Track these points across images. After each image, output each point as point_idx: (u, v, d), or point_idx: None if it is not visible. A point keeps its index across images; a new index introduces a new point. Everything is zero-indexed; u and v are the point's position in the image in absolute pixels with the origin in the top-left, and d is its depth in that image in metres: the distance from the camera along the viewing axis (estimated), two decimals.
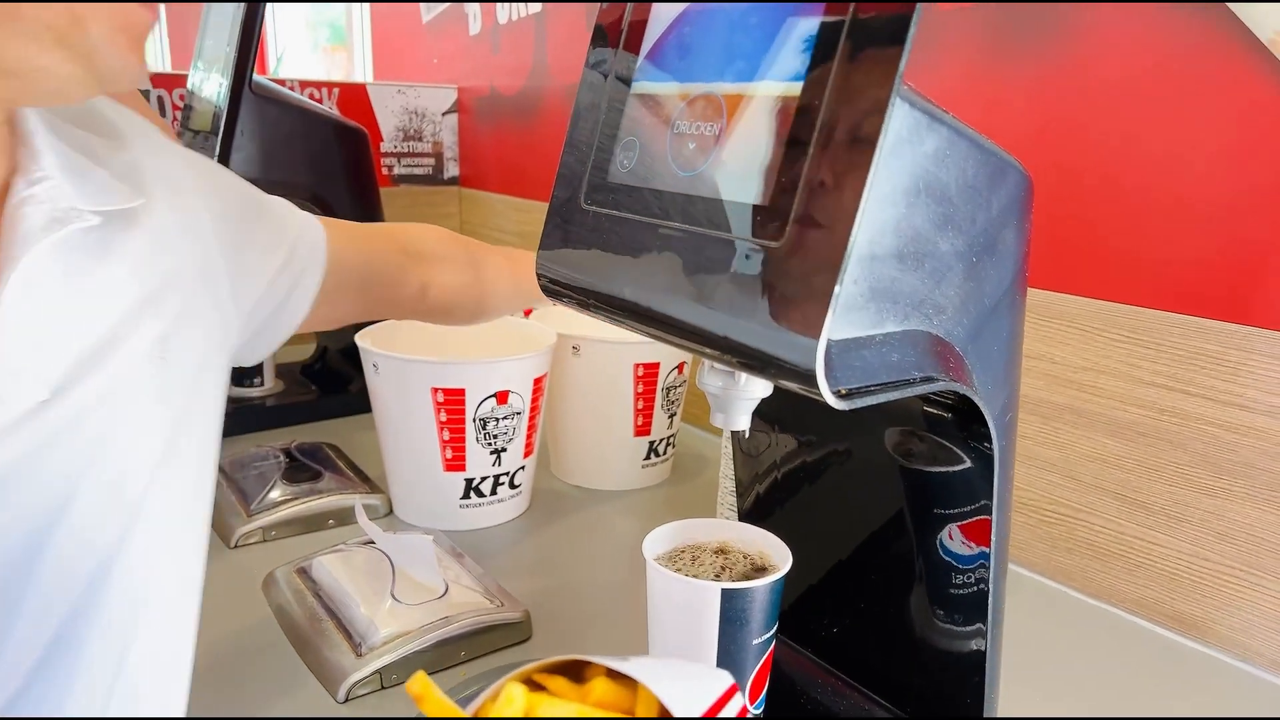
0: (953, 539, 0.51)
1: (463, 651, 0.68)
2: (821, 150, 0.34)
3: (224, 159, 1.04)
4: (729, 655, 0.49)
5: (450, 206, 1.69)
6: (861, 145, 0.33)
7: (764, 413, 0.62)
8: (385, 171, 1.60)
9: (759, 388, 0.44)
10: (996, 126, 0.73)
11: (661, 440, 1.02)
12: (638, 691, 0.36)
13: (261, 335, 0.60)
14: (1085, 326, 0.75)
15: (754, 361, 0.36)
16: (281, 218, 0.61)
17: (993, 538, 0.46)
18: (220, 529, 0.86)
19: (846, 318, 0.35)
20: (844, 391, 0.35)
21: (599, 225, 0.44)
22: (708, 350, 0.39)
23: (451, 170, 1.68)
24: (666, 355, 0.98)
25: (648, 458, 1.02)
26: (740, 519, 0.67)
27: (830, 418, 0.56)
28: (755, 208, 0.36)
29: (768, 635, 0.51)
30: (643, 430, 1.00)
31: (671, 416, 1.02)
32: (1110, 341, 0.74)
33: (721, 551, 0.55)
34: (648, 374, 0.97)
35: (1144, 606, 0.74)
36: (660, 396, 0.99)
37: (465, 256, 0.77)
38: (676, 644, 0.50)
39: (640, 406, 0.99)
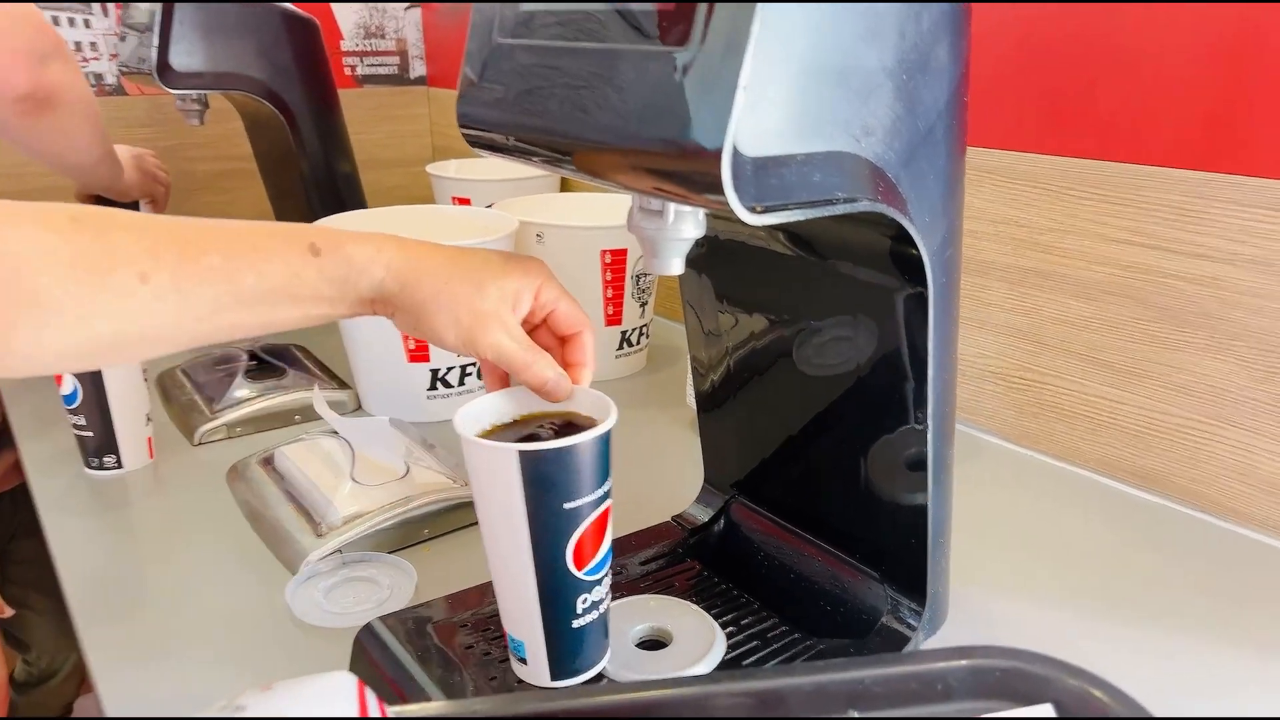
0: (895, 392, 0.50)
1: (426, 530, 0.68)
2: None
3: (163, 52, 0.99)
4: (540, 521, 0.45)
5: (418, 107, 1.64)
6: None
7: (722, 294, 0.60)
8: (348, 72, 1.55)
9: (689, 227, 0.43)
10: None
11: (634, 330, 1.01)
12: None
13: None
14: (1051, 186, 0.73)
15: (666, 182, 0.35)
16: None
17: (930, 376, 0.45)
18: (183, 428, 0.86)
19: (758, 130, 0.33)
20: (759, 208, 0.34)
21: (511, 59, 0.41)
22: (622, 176, 0.37)
23: (419, 69, 1.63)
24: (633, 242, 0.95)
25: (620, 348, 1.01)
26: (699, 400, 0.67)
27: (788, 292, 0.55)
28: (660, 13, 0.34)
29: (588, 498, 0.46)
30: (614, 320, 0.99)
31: (643, 305, 1.01)
32: (1076, 199, 0.72)
33: (567, 420, 0.50)
34: (615, 260, 0.95)
35: (1107, 465, 0.74)
36: (630, 284, 0.98)
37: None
38: (488, 513, 0.46)
39: (610, 295, 0.97)
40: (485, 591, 0.59)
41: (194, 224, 0.46)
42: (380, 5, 1.55)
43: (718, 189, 0.32)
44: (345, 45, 1.54)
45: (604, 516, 0.48)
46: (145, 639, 0.58)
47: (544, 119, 0.39)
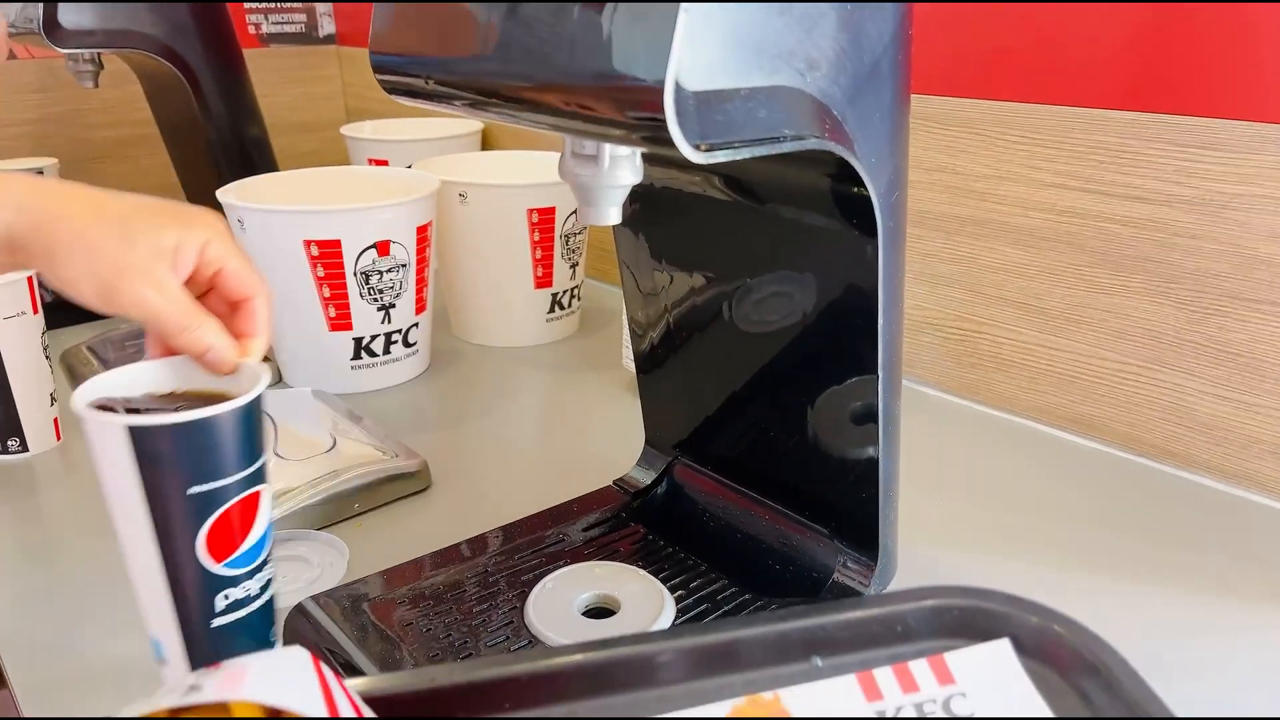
0: (844, 343, 0.48)
1: (356, 504, 0.65)
2: None
3: (51, 9, 0.92)
4: (160, 507, 0.40)
5: (330, 68, 1.56)
6: None
7: (658, 252, 0.58)
8: (252, 31, 1.47)
9: (625, 173, 0.40)
10: None
11: (565, 292, 0.98)
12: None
13: None
14: (986, 132, 0.73)
15: (604, 121, 0.32)
16: None
17: (879, 323, 0.44)
18: None
19: (699, 63, 0.31)
20: (704, 146, 0.31)
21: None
22: (555, 117, 0.34)
23: (327, 27, 1.55)
24: (561, 200, 0.92)
25: (551, 311, 0.98)
26: (637, 361, 0.64)
27: (728, 243, 0.53)
28: None
29: (225, 481, 0.41)
30: (544, 282, 0.95)
31: (574, 267, 0.98)
32: (1011, 144, 0.71)
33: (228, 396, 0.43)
34: (543, 220, 0.92)
35: (1045, 412, 0.75)
36: (559, 245, 0.95)
37: None
38: (108, 497, 0.41)
39: (539, 256, 0.94)
40: (422, 565, 0.56)
41: None
42: None
43: (661, 126, 0.30)
44: (248, 4, 1.45)
45: (251, 501, 0.42)
46: (60, 632, 0.54)
47: (467, 57, 0.36)
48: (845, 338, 0.47)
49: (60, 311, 1.01)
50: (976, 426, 0.77)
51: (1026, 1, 0.68)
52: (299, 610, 0.51)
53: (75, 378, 0.86)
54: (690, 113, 0.31)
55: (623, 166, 0.40)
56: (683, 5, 0.29)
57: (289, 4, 1.50)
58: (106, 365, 0.85)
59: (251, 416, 0.41)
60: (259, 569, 0.44)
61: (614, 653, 0.39)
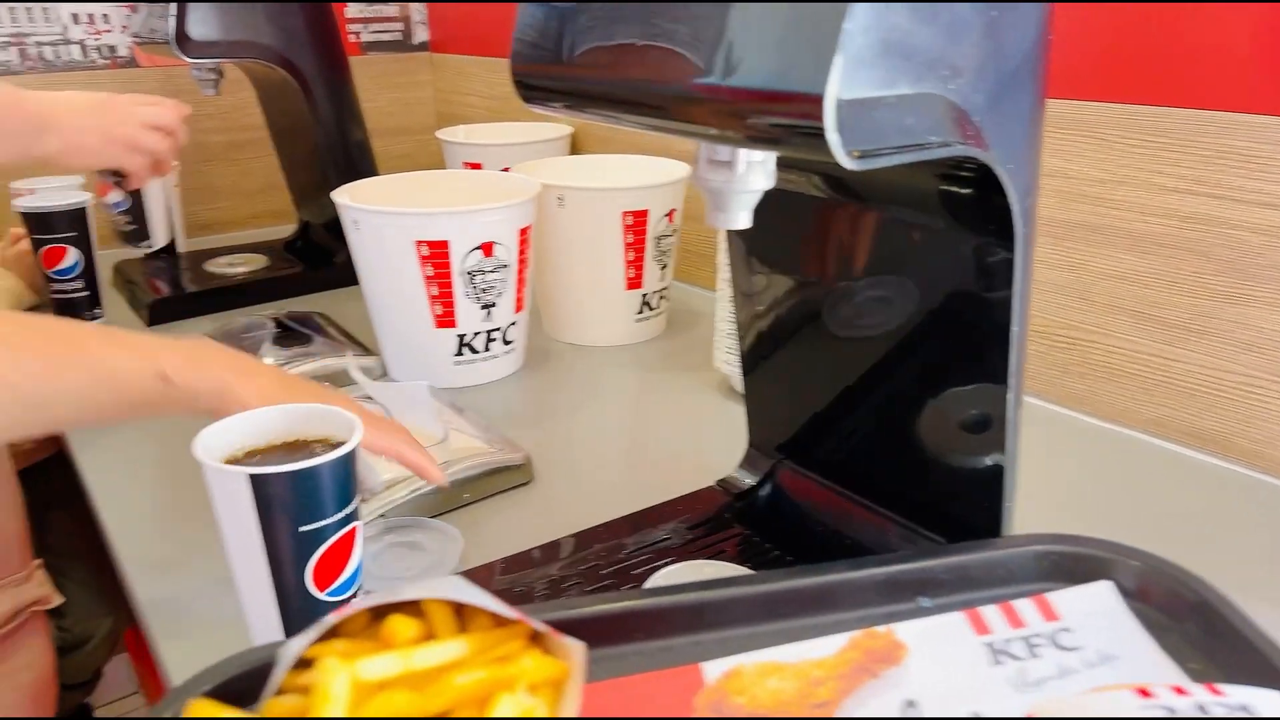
0: (972, 348, 0.48)
1: (466, 494, 0.67)
2: None
3: (181, 21, 0.97)
4: (276, 544, 0.46)
5: (422, 74, 1.60)
6: None
7: (762, 255, 0.58)
8: (352, 39, 1.52)
9: (759, 178, 0.40)
10: None
11: (654, 293, 0.99)
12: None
13: None
14: (1103, 135, 0.71)
15: (763, 129, 0.33)
16: None
17: (1012, 329, 0.43)
18: None
19: (856, 73, 0.31)
20: (857, 153, 0.32)
21: (575, 8, 0.39)
22: (710, 128, 0.35)
23: (421, 35, 1.59)
24: (655, 203, 0.93)
25: (640, 312, 0.99)
26: (741, 360, 0.65)
27: (847, 245, 0.53)
28: None
29: (328, 520, 0.46)
30: (635, 283, 0.97)
31: (664, 268, 0.99)
32: (1129, 148, 0.69)
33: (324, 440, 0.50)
34: (636, 222, 0.93)
35: (1160, 425, 0.73)
36: (651, 247, 0.96)
37: None
38: (228, 536, 0.47)
39: (631, 258, 0.95)
40: (534, 557, 0.58)
41: (66, 336, 0.51)
42: None
43: (819, 134, 0.30)
44: (349, 12, 1.50)
45: (349, 536, 0.48)
46: (196, 599, 0.57)
47: (615, 66, 0.37)
48: (972, 344, 0.47)
49: (167, 306, 1.06)
50: (1084, 437, 0.75)
51: (1157, 1, 0.66)
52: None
53: None
54: (847, 121, 0.31)
55: (756, 172, 0.40)
56: (846, 17, 0.29)
57: (387, 14, 1.54)
58: None
59: (349, 463, 0.47)
60: (355, 595, 0.49)
61: (737, 590, 0.42)
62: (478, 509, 0.67)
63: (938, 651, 0.38)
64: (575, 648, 0.34)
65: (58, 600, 0.88)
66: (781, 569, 0.44)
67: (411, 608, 0.35)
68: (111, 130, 0.88)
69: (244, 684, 0.34)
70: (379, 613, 0.35)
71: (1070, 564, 0.42)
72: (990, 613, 0.40)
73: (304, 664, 0.33)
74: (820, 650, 0.38)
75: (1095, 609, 0.40)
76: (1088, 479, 0.69)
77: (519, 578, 0.55)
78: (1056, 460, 0.71)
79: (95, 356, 0.50)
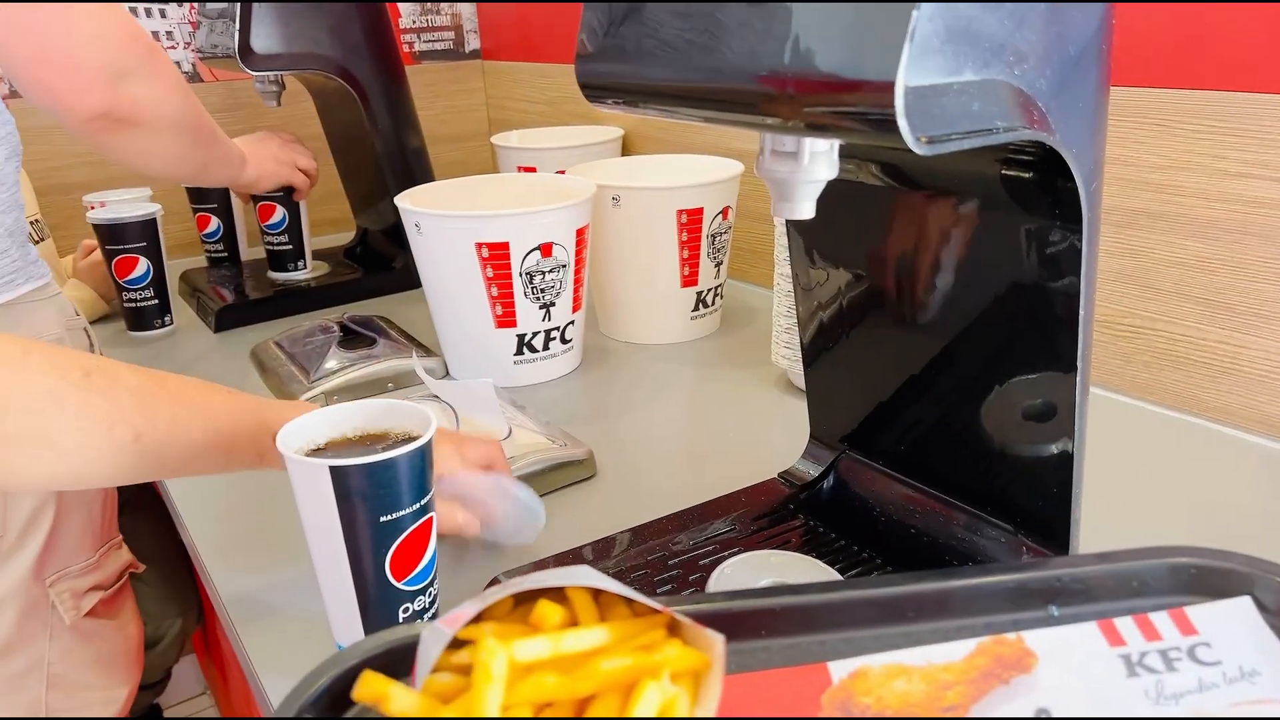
0: (1039, 335, 0.48)
1: (531, 489, 0.68)
2: None
3: (245, 35, 1.00)
4: (355, 534, 0.47)
5: (474, 82, 1.63)
6: None
7: (822, 246, 0.59)
8: (407, 49, 1.55)
9: (823, 168, 0.41)
10: None
11: (709, 290, 1.00)
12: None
13: None
14: (1164, 120, 0.70)
15: (832, 117, 0.33)
16: None
17: (1080, 315, 0.44)
18: (282, 397, 0.87)
19: (924, 60, 0.32)
20: (925, 139, 0.32)
21: (641, 6, 0.40)
22: (779, 118, 0.36)
23: (473, 43, 1.62)
24: (709, 199, 0.94)
25: (696, 309, 1.00)
26: (803, 353, 0.65)
27: (907, 233, 0.53)
28: None
29: (405, 511, 0.48)
30: (690, 281, 0.97)
31: (718, 265, 0.99)
32: (1193, 134, 0.69)
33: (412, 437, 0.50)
34: (691, 220, 0.94)
35: (1228, 413, 0.72)
36: (705, 244, 0.96)
37: None
38: (309, 526, 0.48)
39: (685, 256, 0.96)
40: (603, 547, 0.59)
41: (188, 392, 0.53)
42: None
43: (890, 121, 0.31)
44: (404, 22, 1.54)
45: (424, 528, 0.49)
46: (275, 592, 0.59)
47: (689, 65, 0.38)
48: (1038, 330, 0.47)
49: (232, 313, 1.10)
50: (1149, 426, 0.74)
51: None
52: (495, 584, 0.54)
53: (266, 370, 0.93)
54: (914, 107, 0.32)
55: (820, 162, 0.41)
56: (914, 6, 0.30)
57: (439, 23, 1.57)
58: (292, 358, 0.92)
59: (425, 456, 0.48)
60: (430, 585, 0.51)
61: (861, 592, 0.42)
62: (542, 503, 0.68)
63: (1070, 661, 0.37)
64: (715, 640, 0.34)
65: (140, 567, 0.94)
66: (906, 573, 0.44)
67: (555, 593, 0.36)
68: (279, 155, 1.10)
69: (381, 663, 0.36)
70: (520, 598, 0.37)
71: (1208, 578, 0.41)
72: (1125, 624, 0.39)
73: (456, 644, 0.34)
74: (947, 655, 0.38)
75: (1234, 624, 0.39)
76: (1155, 469, 0.68)
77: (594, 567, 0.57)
78: (1122, 448, 0.71)
79: (213, 412, 0.53)
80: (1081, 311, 0.44)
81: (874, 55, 0.31)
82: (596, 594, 0.37)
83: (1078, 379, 0.45)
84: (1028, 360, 0.49)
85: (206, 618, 1.24)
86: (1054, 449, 0.49)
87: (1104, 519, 0.59)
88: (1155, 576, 0.41)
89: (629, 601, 0.37)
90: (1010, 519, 0.53)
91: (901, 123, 0.31)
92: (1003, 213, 0.47)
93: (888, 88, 0.31)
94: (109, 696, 0.88)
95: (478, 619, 0.35)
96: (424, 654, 0.34)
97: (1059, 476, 0.49)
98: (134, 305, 1.06)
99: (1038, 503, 0.51)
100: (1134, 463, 0.69)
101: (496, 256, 0.82)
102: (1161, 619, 0.39)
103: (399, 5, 1.52)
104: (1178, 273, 0.72)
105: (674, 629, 0.36)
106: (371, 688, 0.33)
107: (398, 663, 0.36)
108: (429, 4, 1.55)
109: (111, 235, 1.03)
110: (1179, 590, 0.41)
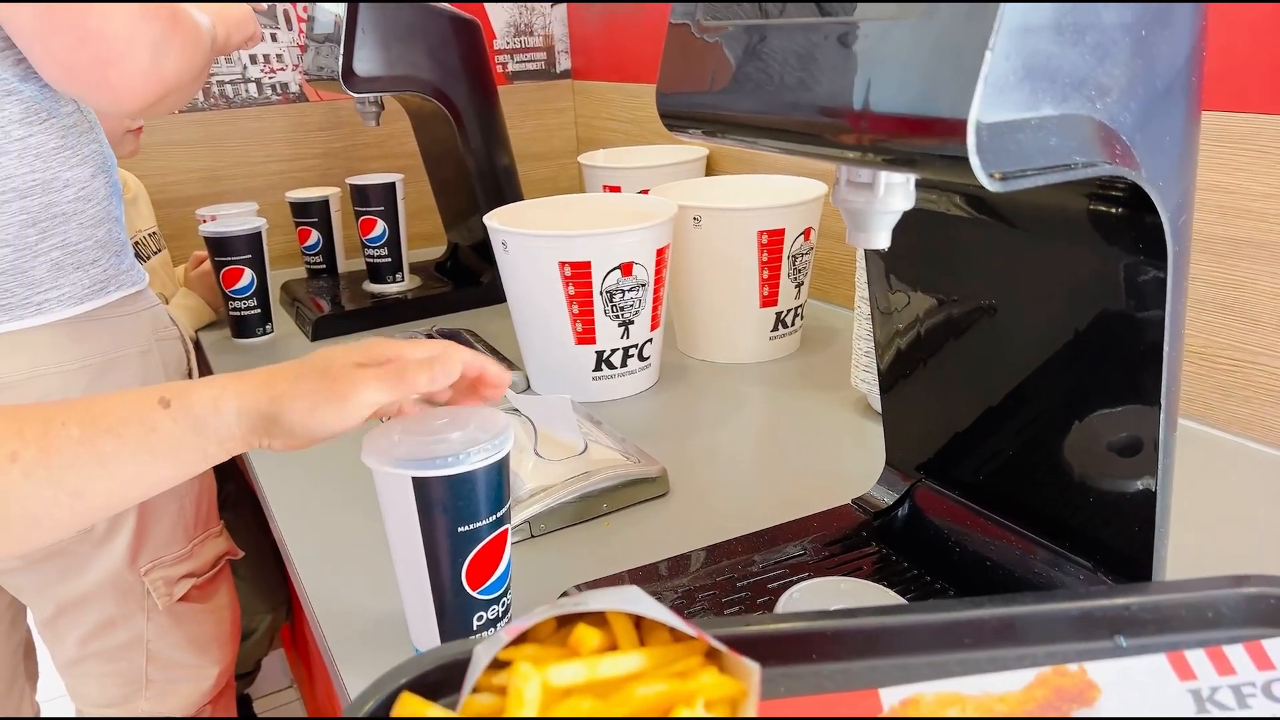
0: (1123, 369, 0.47)
1: (605, 504, 0.69)
2: None
3: (348, 59, 1.06)
4: (434, 542, 0.49)
5: (564, 101, 1.67)
6: None
7: (901, 273, 0.59)
8: (500, 70, 1.60)
9: (898, 199, 0.41)
10: None
11: (789, 311, 1.00)
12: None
13: None
14: (1265, 147, 0.67)
15: (904, 152, 0.34)
16: None
17: (1165, 350, 0.43)
18: None
19: (998, 96, 0.32)
20: (999, 175, 0.33)
21: (720, 41, 0.41)
22: (852, 151, 0.36)
23: (564, 63, 1.66)
24: (791, 221, 0.94)
25: (775, 329, 1.00)
26: (880, 378, 0.65)
27: (989, 263, 0.53)
28: None
29: (483, 522, 0.49)
30: (769, 301, 0.98)
31: (799, 286, 0.99)
32: None
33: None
34: (772, 241, 0.95)
35: None
36: (786, 265, 0.97)
37: None
38: (391, 534, 0.50)
39: (766, 276, 0.96)
40: (674, 565, 0.60)
41: (58, 403, 0.48)
42: (529, 4, 1.59)
43: (962, 158, 0.31)
44: (498, 44, 1.59)
45: (500, 539, 0.51)
46: (360, 594, 0.62)
47: (767, 98, 0.39)
48: (1122, 364, 0.46)
49: (329, 323, 1.15)
50: (1249, 464, 0.71)
51: None
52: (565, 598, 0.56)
53: None
54: (987, 143, 0.32)
55: (896, 193, 0.41)
56: (989, 43, 0.30)
57: (532, 45, 1.62)
58: None
59: (503, 468, 0.50)
60: (504, 594, 0.53)
61: (917, 617, 0.41)
62: (616, 518, 0.70)
63: (1135, 695, 0.36)
64: (752, 669, 0.34)
65: (239, 554, 1.01)
66: (965, 598, 0.43)
67: (595, 617, 0.37)
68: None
69: (439, 676, 0.37)
70: (563, 619, 0.38)
71: None
72: (1195, 656, 0.37)
73: (497, 664, 0.36)
74: (1005, 684, 0.37)
75: None
76: (1250, 507, 0.65)
77: (656, 587, 0.57)
78: (1220, 487, 0.68)
79: (129, 435, 0.47)
80: (1166, 346, 0.43)
81: (947, 92, 0.31)
82: (639, 618, 0.37)
83: (1162, 414, 0.44)
84: (1110, 394, 0.48)
85: (295, 613, 1.29)
86: (1137, 485, 0.48)
87: (1191, 557, 0.57)
88: (1231, 606, 0.39)
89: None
90: (1089, 555, 0.51)
91: (973, 159, 0.31)
92: (1087, 244, 0.46)
93: (959, 125, 0.31)
94: (200, 674, 0.97)
95: (521, 639, 0.36)
96: (475, 662, 0.35)
97: (1142, 513, 0.47)
98: (238, 314, 1.13)
99: (1119, 539, 0.49)
100: (1227, 500, 0.66)
101: (578, 275, 0.85)
102: (1236, 652, 0.37)
103: (494, 27, 1.57)
104: None
105: (712, 656, 0.37)
106: (409, 709, 0.35)
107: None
108: (522, 25, 1.60)
109: (220, 247, 1.10)
110: (1256, 622, 0.39)
